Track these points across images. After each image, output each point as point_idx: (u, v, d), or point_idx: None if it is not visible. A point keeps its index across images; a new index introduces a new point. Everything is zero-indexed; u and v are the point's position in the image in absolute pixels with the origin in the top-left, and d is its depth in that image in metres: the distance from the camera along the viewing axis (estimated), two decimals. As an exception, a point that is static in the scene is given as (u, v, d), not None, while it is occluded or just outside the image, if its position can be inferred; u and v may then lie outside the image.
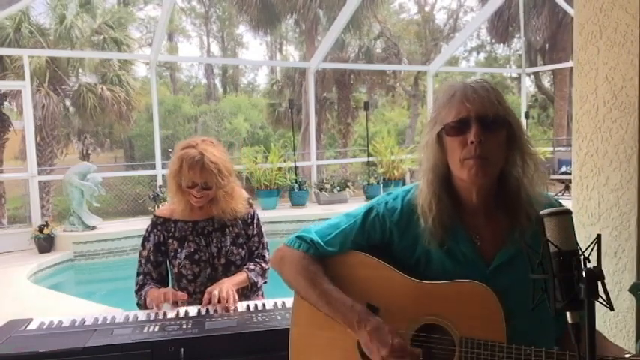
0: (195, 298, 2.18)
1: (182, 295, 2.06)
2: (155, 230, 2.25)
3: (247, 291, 2.26)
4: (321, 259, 1.39)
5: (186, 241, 2.22)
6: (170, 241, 2.23)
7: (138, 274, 2.25)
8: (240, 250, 2.27)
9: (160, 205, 8.03)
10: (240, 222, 2.30)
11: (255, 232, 2.34)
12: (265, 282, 2.34)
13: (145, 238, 2.27)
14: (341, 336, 1.33)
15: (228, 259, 2.23)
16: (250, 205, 2.35)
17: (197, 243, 2.22)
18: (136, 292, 2.22)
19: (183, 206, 2.21)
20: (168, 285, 2.30)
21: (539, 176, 1.24)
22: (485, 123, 1.17)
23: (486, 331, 1.17)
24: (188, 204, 2.21)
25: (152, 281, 2.22)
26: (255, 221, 2.35)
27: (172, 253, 2.23)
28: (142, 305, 2.16)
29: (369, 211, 1.38)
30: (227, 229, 2.27)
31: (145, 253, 2.25)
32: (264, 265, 2.30)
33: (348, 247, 1.37)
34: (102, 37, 13.09)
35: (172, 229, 2.24)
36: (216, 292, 2.01)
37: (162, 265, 2.26)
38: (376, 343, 1.20)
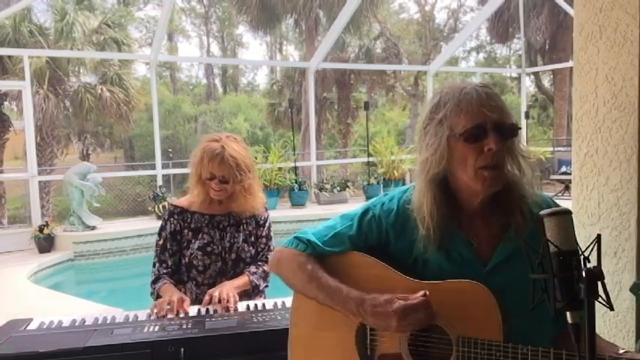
0: (202, 290, 2.20)
1: (186, 308, 2.02)
2: (172, 219, 2.28)
3: (249, 293, 2.27)
4: (319, 258, 1.39)
5: (200, 232, 2.26)
6: (185, 231, 2.27)
7: (154, 265, 2.28)
8: (251, 248, 2.31)
9: (160, 205, 8.03)
10: (254, 221, 2.34)
11: (264, 234, 2.38)
12: (267, 286, 2.35)
13: (162, 228, 2.29)
14: (340, 336, 1.33)
15: (238, 256, 2.27)
16: (266, 209, 2.41)
17: (211, 236, 2.26)
18: (152, 283, 2.24)
19: (203, 198, 2.25)
20: (184, 276, 2.30)
21: (532, 176, 1.23)
22: (501, 131, 1.17)
23: (483, 330, 1.17)
24: (207, 196, 2.24)
25: (168, 271, 2.24)
26: (267, 224, 2.39)
27: (185, 243, 2.26)
28: (155, 299, 2.17)
29: (365, 212, 1.37)
30: (241, 227, 2.31)
31: (160, 241, 2.28)
32: (266, 268, 2.32)
33: (345, 248, 1.37)
34: (102, 36, 13.09)
35: (189, 220, 2.28)
36: (216, 294, 2.03)
37: (176, 255, 2.29)
38: (382, 320, 1.20)
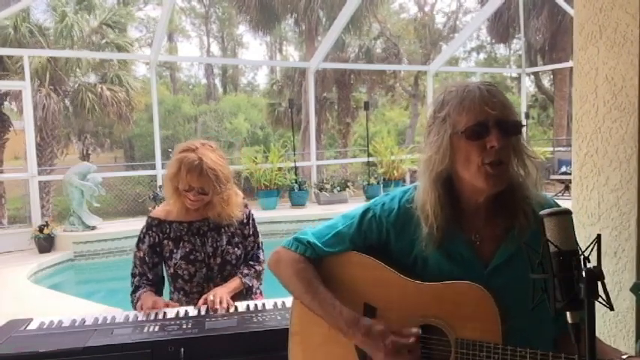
0: (191, 298, 2.19)
1: (173, 305, 2.05)
2: (150, 232, 2.24)
3: (243, 295, 2.25)
4: (318, 260, 1.39)
5: (181, 241, 2.22)
6: (165, 242, 2.23)
7: (133, 276, 2.25)
8: (236, 249, 2.27)
9: (160, 205, 8.02)
10: (235, 222, 2.30)
11: (251, 232, 2.34)
12: (260, 284, 2.34)
13: (140, 240, 2.26)
14: (339, 337, 1.33)
15: (224, 259, 2.24)
16: (245, 205, 2.35)
17: (192, 243, 2.22)
18: (131, 293, 2.22)
19: (179, 207, 2.21)
20: (163, 287, 2.30)
21: (537, 177, 1.23)
22: (504, 128, 1.16)
23: (482, 332, 1.17)
24: (184, 206, 2.20)
25: (147, 283, 2.22)
26: (250, 221, 2.35)
27: (168, 254, 2.23)
28: (135, 308, 2.15)
29: (365, 211, 1.37)
30: (223, 229, 2.27)
31: (140, 254, 2.24)
32: (257, 267, 2.30)
33: (345, 248, 1.37)
34: (102, 37, 13.09)
35: (167, 230, 2.24)
36: (211, 297, 2.02)
37: (157, 267, 2.26)
38: (370, 349, 1.23)
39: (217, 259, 2.23)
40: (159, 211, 2.30)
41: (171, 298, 2.26)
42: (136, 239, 2.28)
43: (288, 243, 1.43)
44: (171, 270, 2.22)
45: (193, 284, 2.21)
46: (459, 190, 1.26)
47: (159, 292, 2.25)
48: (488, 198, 1.24)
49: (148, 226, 2.26)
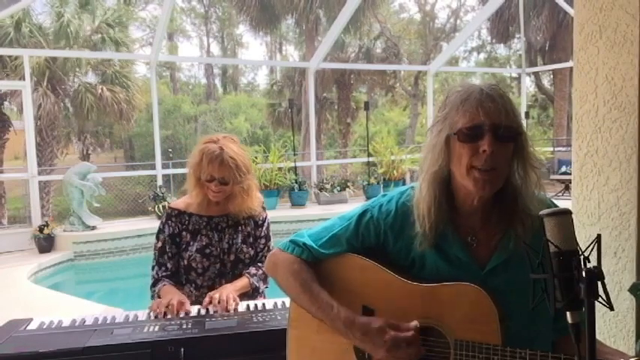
0: (201, 292, 2.20)
1: (187, 309, 2.02)
2: (169, 222, 2.27)
3: (249, 295, 2.26)
4: (315, 262, 1.38)
5: (199, 234, 2.25)
6: (183, 233, 2.26)
7: (153, 267, 2.27)
8: (250, 249, 2.30)
9: (160, 205, 8.03)
10: (252, 222, 2.34)
11: (263, 234, 2.37)
12: (267, 287, 2.35)
13: (160, 230, 2.28)
14: (338, 339, 1.32)
15: (237, 257, 2.26)
16: (263, 209, 2.40)
17: (209, 237, 2.25)
18: (151, 286, 2.24)
19: (201, 200, 2.24)
20: (182, 278, 2.30)
21: (540, 189, 1.22)
22: (498, 133, 1.15)
23: (481, 333, 1.17)
24: (206, 198, 2.23)
25: (167, 274, 2.24)
26: (265, 224, 2.39)
27: (184, 246, 2.25)
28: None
29: (363, 213, 1.36)
30: (240, 227, 2.30)
31: (159, 244, 2.26)
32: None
33: (342, 250, 1.36)
34: (102, 36, 13.10)
35: (186, 222, 2.27)
36: (217, 296, 2.03)
37: (176, 257, 2.27)
38: (370, 347, 1.22)
39: (231, 256, 2.25)
40: (179, 203, 2.34)
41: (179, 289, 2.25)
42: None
43: (284, 245, 1.42)
44: (185, 262, 2.23)
45: (205, 278, 2.23)
46: (455, 191, 1.25)
47: (179, 284, 2.25)
48: (485, 201, 1.23)
49: (168, 216, 2.28)
